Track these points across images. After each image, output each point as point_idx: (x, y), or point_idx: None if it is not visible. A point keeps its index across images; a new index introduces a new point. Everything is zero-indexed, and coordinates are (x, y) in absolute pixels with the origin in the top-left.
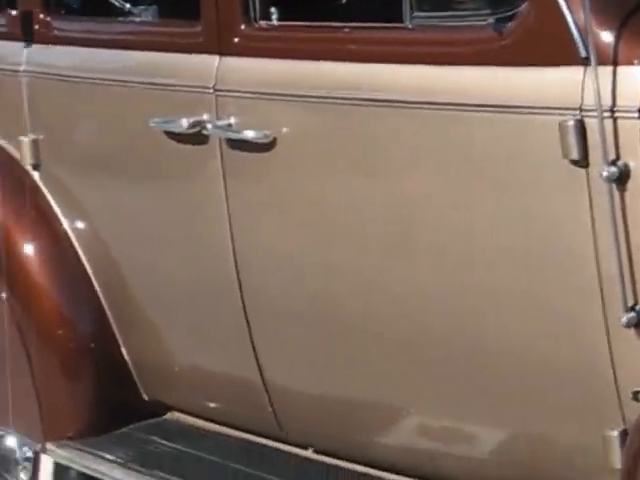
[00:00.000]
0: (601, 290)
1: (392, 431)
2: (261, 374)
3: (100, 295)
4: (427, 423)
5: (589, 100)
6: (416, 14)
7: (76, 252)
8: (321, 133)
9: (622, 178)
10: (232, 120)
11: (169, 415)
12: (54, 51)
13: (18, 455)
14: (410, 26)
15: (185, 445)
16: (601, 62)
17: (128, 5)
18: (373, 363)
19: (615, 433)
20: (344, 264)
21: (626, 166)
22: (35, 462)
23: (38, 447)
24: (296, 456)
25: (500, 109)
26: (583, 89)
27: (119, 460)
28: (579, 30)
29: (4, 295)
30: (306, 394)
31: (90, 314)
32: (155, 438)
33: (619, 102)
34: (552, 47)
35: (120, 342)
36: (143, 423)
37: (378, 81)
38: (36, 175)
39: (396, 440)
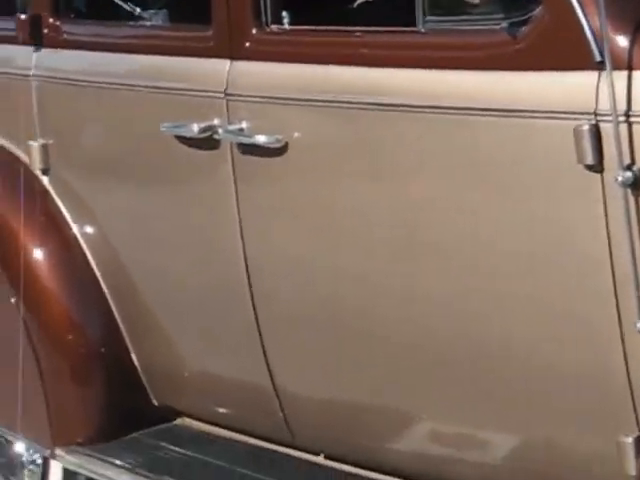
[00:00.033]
0: (616, 295)
1: (402, 436)
2: (272, 379)
3: (110, 300)
4: (437, 428)
5: (604, 105)
6: (429, 18)
7: (85, 257)
8: (333, 137)
9: (637, 183)
10: (243, 125)
11: (179, 421)
12: (63, 55)
13: (27, 460)
14: (423, 30)
15: (195, 451)
16: (616, 66)
17: (138, 9)
18: (382, 367)
19: (630, 439)
20: (353, 268)
21: None
22: (44, 468)
23: (47, 453)
24: (306, 462)
25: (513, 113)
26: (598, 93)
27: (128, 466)
28: (594, 34)
29: (13, 300)
30: (317, 399)
31: (100, 319)
32: (165, 444)
33: (634, 107)
34: (567, 51)
35: (130, 347)
36: (153, 429)
37: (391, 86)
38: (45, 180)
39: (406, 445)
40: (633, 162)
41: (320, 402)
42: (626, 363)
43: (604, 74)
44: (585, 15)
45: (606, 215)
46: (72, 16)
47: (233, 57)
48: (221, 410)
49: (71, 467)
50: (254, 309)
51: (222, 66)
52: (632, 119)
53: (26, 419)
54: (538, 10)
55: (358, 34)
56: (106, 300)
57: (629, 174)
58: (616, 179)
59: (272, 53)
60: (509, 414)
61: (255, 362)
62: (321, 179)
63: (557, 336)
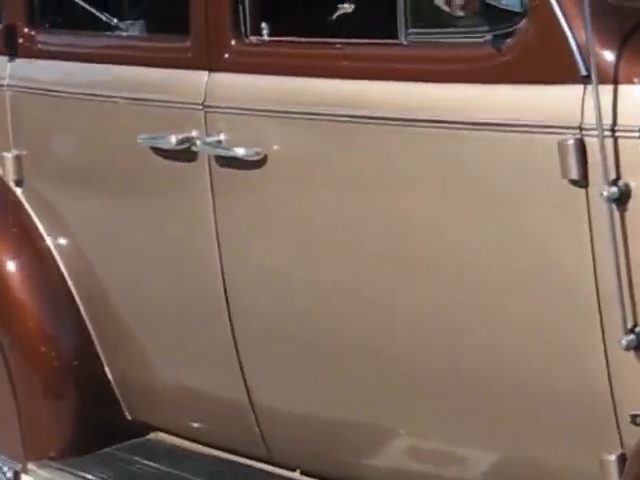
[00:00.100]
0: (600, 311)
1: (382, 452)
2: (248, 394)
3: (83, 312)
4: (418, 443)
5: (589, 119)
6: (411, 30)
7: (59, 269)
8: (312, 150)
9: (622, 198)
10: (222, 137)
11: (153, 435)
12: (38, 65)
13: None
14: (405, 42)
15: (169, 466)
16: (602, 80)
17: (115, 20)
18: (363, 382)
19: (613, 457)
20: (333, 282)
21: (627, 186)
22: None
23: (19, 467)
24: (282, 477)
25: (497, 127)
26: (583, 108)
27: None
28: (579, 48)
29: None
30: (294, 415)
31: (73, 331)
32: (138, 458)
33: (620, 121)
34: (552, 65)
35: (103, 360)
36: (126, 443)
37: (372, 98)
38: (19, 191)
39: (386, 461)
40: (618, 177)
41: (297, 417)
42: (609, 380)
43: (589, 88)
44: (570, 28)
45: (591, 230)
46: (47, 26)
47: (211, 68)
48: (196, 425)
49: None
50: (231, 322)
51: (200, 77)
52: (618, 134)
53: None
54: (523, 23)
55: (338, 46)
56: (79, 313)
57: (614, 189)
58: (601, 194)
59: (251, 65)
60: (494, 429)
61: (231, 376)
62: (300, 192)
63: (543, 351)
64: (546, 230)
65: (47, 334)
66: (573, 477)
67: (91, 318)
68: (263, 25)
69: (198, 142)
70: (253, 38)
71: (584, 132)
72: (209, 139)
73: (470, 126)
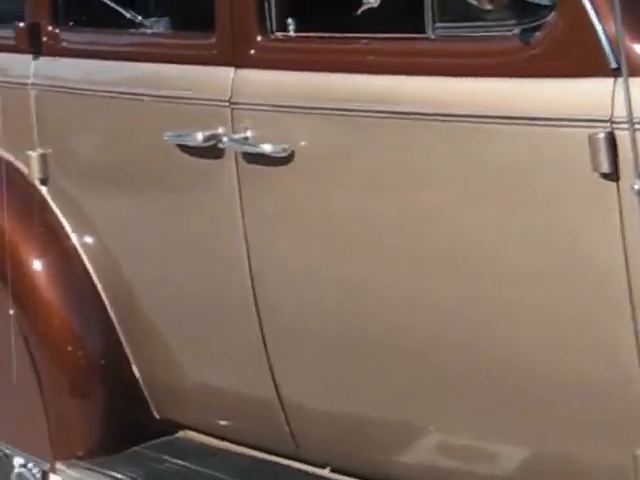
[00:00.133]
0: (631, 304)
1: (410, 449)
2: (277, 392)
3: (110, 311)
4: (446, 439)
5: (620, 112)
6: (438, 24)
7: (85, 267)
8: (341, 146)
9: None
10: (248, 133)
11: (181, 433)
12: (63, 63)
13: (27, 475)
14: (432, 37)
15: (197, 464)
16: (632, 73)
17: (139, 17)
18: (391, 378)
19: None
20: (361, 279)
21: None
22: None
23: (47, 467)
24: (312, 475)
25: (526, 121)
26: (613, 101)
27: (129, 479)
28: (609, 40)
29: (12, 311)
30: (323, 411)
31: (99, 330)
32: (167, 457)
33: None
34: (581, 58)
35: (131, 359)
36: (154, 442)
37: (400, 93)
38: (44, 190)
39: (415, 458)
40: None
41: (326, 414)
42: None
43: (620, 81)
44: (600, 20)
45: (622, 224)
46: (71, 24)
47: (237, 65)
48: (224, 422)
49: None
50: (259, 319)
51: (226, 74)
52: None
53: (26, 432)
54: (551, 16)
55: (365, 41)
56: (106, 311)
57: None
58: (632, 187)
59: (277, 61)
60: (522, 425)
61: (260, 374)
62: (328, 188)
63: (574, 345)
64: (576, 224)
65: (74, 333)
66: (603, 473)
67: (118, 316)
68: (289, 21)
69: (225, 139)
70: (279, 34)
71: (614, 125)
72: (236, 136)
73: (500, 120)
